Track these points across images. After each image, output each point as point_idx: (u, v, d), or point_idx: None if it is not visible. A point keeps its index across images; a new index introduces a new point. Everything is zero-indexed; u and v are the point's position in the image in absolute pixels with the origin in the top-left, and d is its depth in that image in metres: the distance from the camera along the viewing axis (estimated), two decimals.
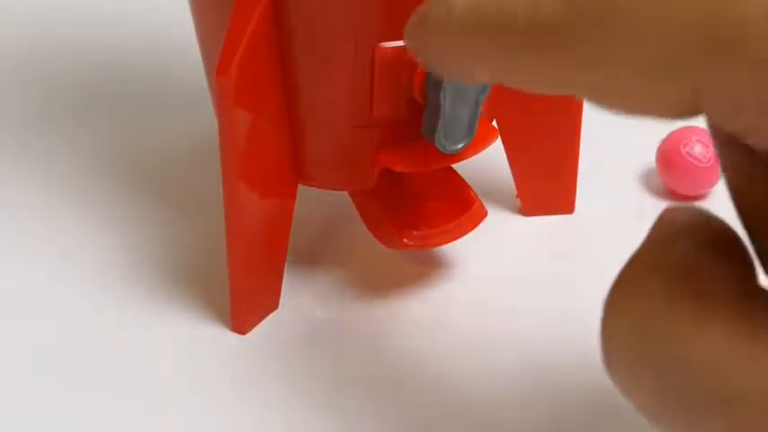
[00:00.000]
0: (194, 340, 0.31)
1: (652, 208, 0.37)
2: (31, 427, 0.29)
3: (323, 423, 0.29)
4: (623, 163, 0.38)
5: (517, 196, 0.36)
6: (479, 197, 0.32)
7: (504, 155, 0.35)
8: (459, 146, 0.29)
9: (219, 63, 0.27)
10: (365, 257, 0.34)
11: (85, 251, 0.35)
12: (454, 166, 0.32)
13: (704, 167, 0.36)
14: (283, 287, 0.32)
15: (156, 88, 0.43)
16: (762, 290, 0.19)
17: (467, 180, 0.33)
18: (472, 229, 0.32)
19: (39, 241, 0.35)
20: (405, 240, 0.31)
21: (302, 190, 0.32)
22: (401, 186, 0.32)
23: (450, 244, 0.32)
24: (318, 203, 0.36)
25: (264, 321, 0.32)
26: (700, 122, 0.39)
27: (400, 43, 0.28)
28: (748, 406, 0.19)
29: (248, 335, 0.31)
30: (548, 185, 0.35)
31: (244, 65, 0.27)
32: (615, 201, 0.37)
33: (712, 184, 0.36)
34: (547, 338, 0.31)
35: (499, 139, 0.32)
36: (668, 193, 0.37)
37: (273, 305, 0.32)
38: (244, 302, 0.31)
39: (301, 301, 0.33)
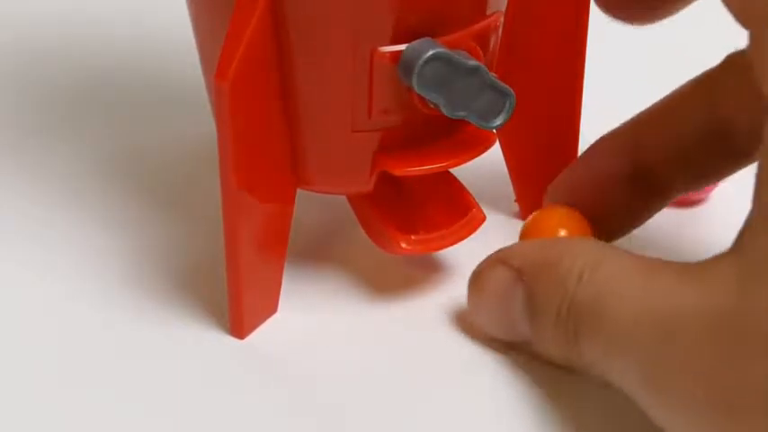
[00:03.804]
0: (193, 344, 0.31)
1: None
2: (30, 428, 0.29)
3: (322, 426, 0.29)
4: None
5: (515, 200, 0.36)
6: (477, 201, 0.32)
7: (503, 159, 0.35)
8: (497, 122, 0.29)
9: (218, 67, 0.27)
10: (364, 261, 0.34)
11: (84, 254, 0.35)
12: (452, 170, 0.32)
13: None
14: (282, 291, 0.32)
15: (156, 91, 0.43)
16: None
17: (465, 184, 0.33)
18: (470, 233, 0.32)
19: (38, 244, 0.35)
20: (403, 245, 0.31)
21: (301, 193, 0.32)
22: (399, 191, 0.32)
23: (448, 248, 0.32)
24: (317, 207, 0.36)
25: (263, 325, 0.32)
26: None
27: (398, 47, 0.28)
28: None
29: (247, 339, 0.31)
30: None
31: (242, 69, 0.27)
32: None
33: (710, 189, 0.36)
34: None
35: (497, 144, 0.32)
36: None
37: (272, 309, 0.32)
38: (242, 306, 0.31)
39: (300, 305, 0.33)
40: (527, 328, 0.29)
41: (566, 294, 0.27)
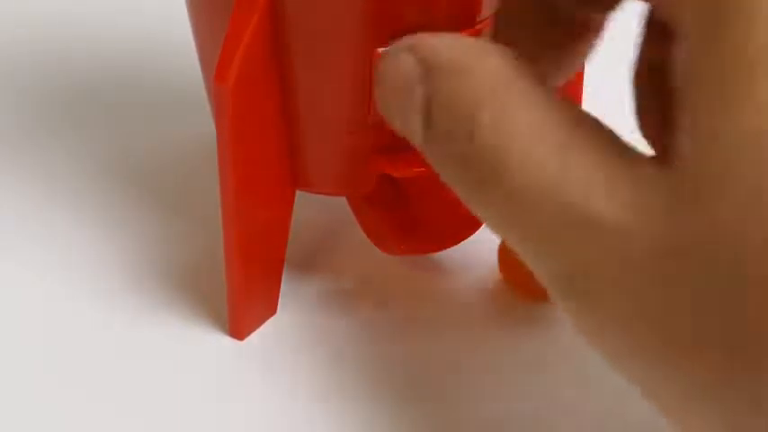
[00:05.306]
0: (192, 345, 0.31)
1: None
2: (30, 428, 0.29)
3: (322, 428, 0.29)
4: None
5: None
6: None
7: None
8: None
9: (217, 69, 0.27)
10: (363, 262, 0.34)
11: (84, 255, 0.35)
12: None
13: None
14: (281, 292, 0.32)
15: (156, 91, 0.43)
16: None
17: None
18: (470, 234, 0.32)
19: (38, 245, 0.35)
20: (402, 246, 0.31)
21: (301, 194, 0.32)
22: (399, 192, 0.32)
23: (447, 250, 0.32)
24: (316, 208, 0.36)
25: (262, 326, 0.32)
26: None
27: None
28: None
29: (246, 340, 0.31)
30: None
31: (242, 70, 0.27)
32: None
33: None
34: (546, 341, 0.31)
35: None
36: None
37: (271, 310, 0.32)
38: (242, 307, 0.31)
39: (299, 305, 0.33)
40: (420, 133, 0.25)
41: (467, 124, 0.23)
